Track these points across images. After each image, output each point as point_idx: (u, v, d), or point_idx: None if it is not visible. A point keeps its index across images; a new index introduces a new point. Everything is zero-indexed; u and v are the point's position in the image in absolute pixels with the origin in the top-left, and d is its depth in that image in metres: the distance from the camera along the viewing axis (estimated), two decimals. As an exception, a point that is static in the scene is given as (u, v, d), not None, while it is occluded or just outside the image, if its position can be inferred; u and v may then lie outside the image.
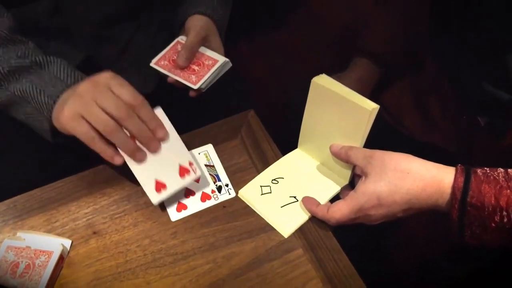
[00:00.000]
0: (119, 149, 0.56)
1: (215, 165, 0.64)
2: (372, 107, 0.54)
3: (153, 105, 0.83)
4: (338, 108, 0.57)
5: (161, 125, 0.57)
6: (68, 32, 0.72)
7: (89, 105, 0.54)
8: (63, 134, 0.58)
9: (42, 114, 0.58)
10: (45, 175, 0.65)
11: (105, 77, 0.56)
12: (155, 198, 0.57)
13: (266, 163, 0.65)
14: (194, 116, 0.79)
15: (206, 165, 0.64)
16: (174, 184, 0.57)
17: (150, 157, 0.57)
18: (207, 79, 0.69)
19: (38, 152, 0.76)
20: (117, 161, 0.56)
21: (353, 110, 0.56)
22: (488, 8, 0.60)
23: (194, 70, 0.70)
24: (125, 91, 0.56)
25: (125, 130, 0.56)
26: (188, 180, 0.58)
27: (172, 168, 0.57)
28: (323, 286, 0.54)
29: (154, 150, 0.57)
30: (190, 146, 0.66)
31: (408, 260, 0.77)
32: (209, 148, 0.66)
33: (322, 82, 0.58)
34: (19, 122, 0.75)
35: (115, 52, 0.77)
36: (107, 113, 0.54)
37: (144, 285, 0.54)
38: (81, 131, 0.54)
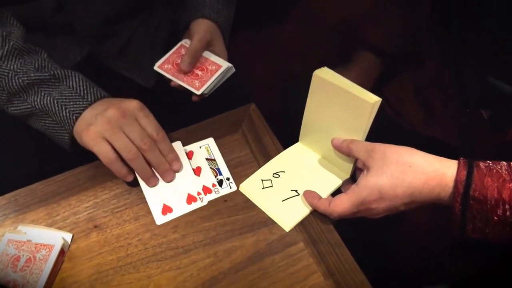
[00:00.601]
0: (136, 174, 0.60)
1: (216, 159, 0.64)
2: (374, 100, 0.54)
3: (155, 102, 0.83)
4: (339, 101, 0.57)
5: (177, 158, 0.62)
6: (70, 29, 0.72)
7: (116, 131, 0.57)
8: (79, 145, 0.61)
9: (62, 127, 0.60)
10: (46, 169, 0.65)
11: (134, 107, 0.60)
12: (160, 219, 0.59)
13: (267, 157, 0.64)
14: (195, 111, 0.79)
15: (207, 159, 0.64)
16: (180, 209, 0.60)
17: (162, 182, 0.61)
18: (210, 84, 0.70)
19: (37, 146, 0.76)
20: (129, 178, 0.60)
21: (355, 103, 0.55)
22: (488, 8, 0.59)
23: (197, 75, 0.70)
24: (149, 124, 0.60)
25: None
26: (193, 207, 0.60)
27: (181, 195, 0.61)
28: (324, 280, 0.54)
29: (169, 180, 0.61)
30: (191, 139, 0.66)
31: (409, 255, 0.77)
32: (210, 141, 0.66)
33: (324, 75, 0.58)
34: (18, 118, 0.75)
35: (116, 49, 0.77)
36: (131, 141, 0.58)
37: (145, 279, 0.54)
38: (103, 151, 0.58)
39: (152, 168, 0.60)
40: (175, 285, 0.54)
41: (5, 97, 0.60)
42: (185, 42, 0.73)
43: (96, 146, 0.58)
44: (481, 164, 0.49)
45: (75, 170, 0.63)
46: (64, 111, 0.59)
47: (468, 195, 0.48)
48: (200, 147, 0.65)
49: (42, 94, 0.60)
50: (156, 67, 0.72)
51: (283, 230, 0.58)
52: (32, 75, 0.60)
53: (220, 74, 0.70)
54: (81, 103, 0.60)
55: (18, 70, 0.60)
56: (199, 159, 0.64)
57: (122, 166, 0.59)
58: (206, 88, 0.69)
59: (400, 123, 0.77)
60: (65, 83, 0.61)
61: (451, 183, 0.50)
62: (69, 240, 0.56)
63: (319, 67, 0.59)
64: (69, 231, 0.57)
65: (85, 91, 0.61)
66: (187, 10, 0.75)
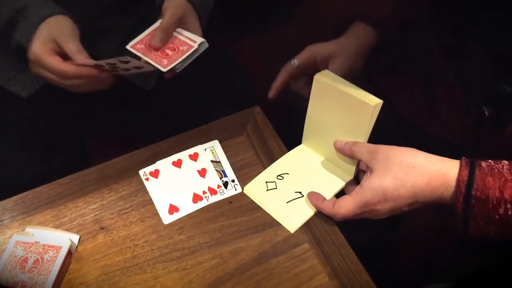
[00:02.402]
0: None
1: (221, 161, 0.65)
2: (375, 102, 0.55)
3: (156, 105, 0.84)
4: (341, 104, 0.58)
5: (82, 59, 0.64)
6: None
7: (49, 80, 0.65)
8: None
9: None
10: (50, 170, 0.66)
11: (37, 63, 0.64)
12: (167, 219, 0.60)
13: (272, 159, 0.65)
14: (198, 112, 0.80)
15: (212, 161, 0.65)
16: (186, 208, 0.61)
17: (168, 184, 0.62)
18: (179, 62, 0.68)
19: (42, 147, 0.76)
20: (102, 86, 0.66)
21: (356, 105, 0.56)
22: (489, 5, 0.60)
23: (167, 54, 0.68)
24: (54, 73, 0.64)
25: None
26: (199, 206, 0.61)
27: (187, 195, 0.62)
28: (329, 280, 0.55)
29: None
30: (195, 142, 0.67)
31: (412, 255, 0.77)
32: (215, 144, 0.66)
33: (325, 78, 0.59)
34: (21, 116, 0.76)
35: (115, 46, 0.76)
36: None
37: (151, 280, 0.55)
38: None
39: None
40: (181, 286, 0.54)
41: (9, 35, 0.66)
42: (160, 22, 0.71)
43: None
44: (483, 163, 0.50)
45: (81, 172, 0.63)
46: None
47: (470, 195, 0.49)
48: (205, 150, 0.66)
49: (17, 30, 0.65)
50: (128, 47, 0.70)
51: (288, 231, 0.59)
52: (4, 15, 0.64)
53: (190, 53, 0.68)
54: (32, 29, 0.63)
55: None
56: (204, 161, 0.65)
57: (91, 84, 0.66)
58: (174, 67, 0.68)
59: (404, 121, 0.77)
60: (26, 15, 0.64)
61: (453, 183, 0.51)
62: (76, 242, 0.57)
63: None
64: (76, 232, 0.58)
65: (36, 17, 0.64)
66: None
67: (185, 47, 0.68)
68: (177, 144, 0.66)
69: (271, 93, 0.70)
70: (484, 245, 0.54)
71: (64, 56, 0.64)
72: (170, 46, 0.69)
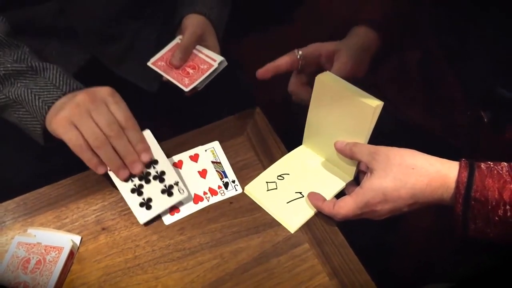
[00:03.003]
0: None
1: (221, 162, 0.65)
2: (376, 103, 0.55)
3: (159, 107, 0.84)
4: (342, 105, 0.58)
5: (147, 149, 0.60)
6: (73, 31, 0.72)
7: (83, 115, 0.56)
8: (54, 138, 0.59)
9: (35, 118, 0.59)
10: (50, 170, 0.66)
11: (104, 92, 0.58)
12: (168, 220, 0.60)
13: (272, 160, 0.65)
14: (200, 113, 0.80)
15: (212, 162, 0.65)
16: (187, 209, 0.61)
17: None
18: (200, 82, 0.69)
19: (42, 147, 0.77)
20: (100, 170, 0.58)
21: (357, 107, 0.56)
22: (488, 8, 0.60)
23: (188, 73, 0.70)
24: (119, 110, 0.58)
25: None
26: (200, 206, 0.61)
27: (187, 195, 0.61)
28: (329, 280, 0.55)
29: (137, 172, 0.59)
30: (196, 143, 0.67)
31: (412, 256, 0.77)
32: (215, 145, 0.67)
33: (326, 79, 0.59)
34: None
35: (120, 50, 0.77)
36: (98, 127, 0.56)
37: (152, 280, 0.55)
38: (71, 138, 0.56)
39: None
40: (182, 286, 0.55)
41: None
42: (180, 39, 0.73)
43: (65, 133, 0.56)
44: (482, 165, 0.50)
45: (82, 173, 0.64)
46: (37, 101, 0.58)
47: (470, 196, 0.49)
48: (205, 150, 0.66)
49: (18, 85, 0.59)
50: (149, 63, 0.72)
51: (288, 231, 0.59)
52: (9, 66, 0.60)
53: (211, 72, 0.70)
54: (55, 93, 0.59)
55: None
56: (205, 162, 0.65)
57: (93, 155, 0.56)
58: (195, 86, 0.69)
59: (404, 122, 0.77)
60: (42, 74, 0.60)
61: (453, 184, 0.51)
62: (78, 242, 0.57)
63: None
64: (78, 233, 0.58)
65: (61, 82, 0.60)
66: (180, 7, 0.75)
67: (205, 66, 0.70)
68: (177, 145, 0.67)
69: (260, 71, 0.66)
70: (484, 245, 0.55)
71: None
72: (191, 64, 0.70)
